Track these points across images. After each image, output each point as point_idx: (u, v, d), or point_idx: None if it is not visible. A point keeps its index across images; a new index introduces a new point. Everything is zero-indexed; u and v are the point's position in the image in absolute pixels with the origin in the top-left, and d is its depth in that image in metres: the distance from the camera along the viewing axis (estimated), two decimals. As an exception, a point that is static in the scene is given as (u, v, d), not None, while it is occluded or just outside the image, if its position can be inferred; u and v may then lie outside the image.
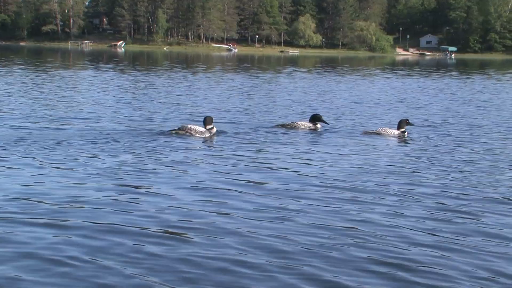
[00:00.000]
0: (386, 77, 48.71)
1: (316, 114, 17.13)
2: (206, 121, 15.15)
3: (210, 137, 14.84)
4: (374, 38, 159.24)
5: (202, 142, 14.34)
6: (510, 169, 11.82)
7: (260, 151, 13.11)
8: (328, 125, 16.72)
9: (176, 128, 15.17)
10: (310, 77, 45.27)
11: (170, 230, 7.49)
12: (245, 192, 9.42)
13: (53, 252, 6.69)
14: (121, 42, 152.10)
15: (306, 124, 16.56)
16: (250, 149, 13.28)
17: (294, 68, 61.12)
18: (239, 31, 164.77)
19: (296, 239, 7.28)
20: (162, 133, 15.10)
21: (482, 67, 78.29)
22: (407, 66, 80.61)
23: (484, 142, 15.22)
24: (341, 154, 12.99)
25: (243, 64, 70.40)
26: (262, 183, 10.05)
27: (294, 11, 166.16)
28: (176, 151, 12.82)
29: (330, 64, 75.73)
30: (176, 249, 6.86)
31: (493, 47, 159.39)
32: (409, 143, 14.93)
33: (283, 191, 9.59)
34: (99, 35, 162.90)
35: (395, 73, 56.76)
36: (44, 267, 6.32)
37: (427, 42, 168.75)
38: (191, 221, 7.87)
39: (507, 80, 47.82)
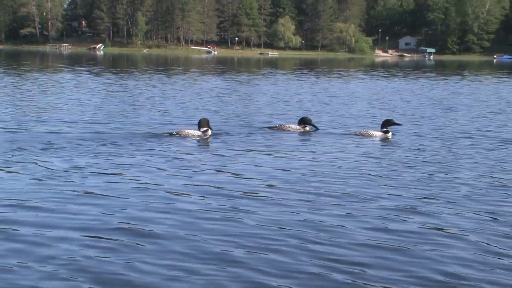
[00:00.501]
0: (366, 79, 48.87)
1: (305, 117, 17.13)
2: (201, 123, 15.12)
3: (205, 139, 14.77)
4: (353, 40, 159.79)
5: (194, 144, 14.27)
6: (474, 170, 11.93)
7: (242, 154, 13.07)
8: (318, 129, 16.68)
9: (174, 132, 15.11)
10: (291, 79, 45.25)
11: (119, 234, 7.47)
12: (207, 195, 9.42)
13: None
14: (100, 45, 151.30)
15: (295, 126, 16.63)
16: (232, 152, 13.21)
17: (276, 70, 61.07)
18: (218, 33, 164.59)
19: (244, 240, 7.32)
20: (155, 135, 15.03)
21: (460, 68, 78.81)
22: (387, 67, 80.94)
23: (460, 143, 15.28)
24: (319, 156, 13.02)
25: (223, 66, 70.34)
26: (234, 186, 10.05)
27: (274, 13, 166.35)
28: (156, 154, 12.72)
29: (310, 66, 75.81)
30: (124, 254, 6.85)
31: (471, 48, 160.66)
32: (387, 144, 14.99)
33: (246, 193, 9.60)
34: (78, 38, 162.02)
35: (376, 74, 57.00)
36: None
37: (406, 44, 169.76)
38: (143, 224, 7.85)
39: (481, 81, 48.15)
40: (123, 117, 19.02)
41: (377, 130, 15.96)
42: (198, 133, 14.93)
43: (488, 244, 7.44)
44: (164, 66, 66.14)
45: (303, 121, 16.72)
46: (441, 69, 76.34)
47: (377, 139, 15.50)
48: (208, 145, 14.26)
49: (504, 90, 37.66)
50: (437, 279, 6.38)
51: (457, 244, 7.40)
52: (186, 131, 15.04)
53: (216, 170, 11.23)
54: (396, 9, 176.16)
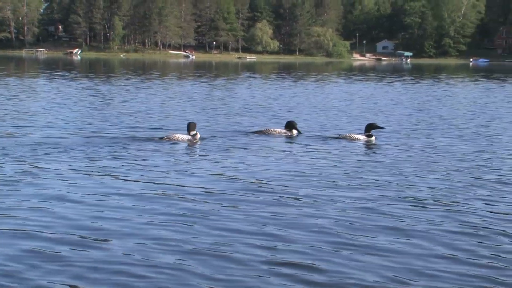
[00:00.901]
0: (346, 83, 48.96)
1: (291, 121, 17.09)
2: (190, 127, 15.20)
3: (194, 143, 14.86)
4: (331, 44, 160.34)
5: (184, 148, 14.34)
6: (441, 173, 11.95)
7: (227, 157, 13.09)
8: (301, 134, 16.66)
9: (164, 137, 15.20)
10: (271, 84, 45.14)
11: (79, 235, 7.52)
12: (172, 198, 9.42)
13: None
14: (77, 49, 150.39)
15: (280, 130, 16.66)
16: (219, 156, 13.23)
17: (254, 75, 61.04)
18: (196, 37, 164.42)
19: (195, 244, 7.31)
20: (146, 140, 15.08)
21: (437, 72, 79.38)
22: (364, 71, 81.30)
23: (438, 146, 15.32)
24: (299, 160, 13.08)
25: (202, 70, 70.19)
26: (199, 188, 10.05)
27: (251, 17, 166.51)
28: (144, 158, 12.71)
29: (288, 70, 75.84)
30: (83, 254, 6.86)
31: (448, 52, 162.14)
32: (369, 148, 15.01)
33: (210, 195, 9.64)
34: (55, 42, 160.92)
35: (354, 78, 57.25)
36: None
37: (383, 48, 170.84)
38: (104, 226, 7.90)
39: (454, 84, 48.52)
40: (107, 122, 18.96)
41: (360, 134, 16.01)
42: (188, 137, 15.00)
43: (443, 243, 7.51)
44: (142, 70, 65.83)
45: (289, 125, 16.74)
46: (419, 72, 76.76)
47: (361, 142, 15.53)
48: (197, 149, 14.28)
49: (478, 92, 37.94)
50: (390, 278, 6.40)
51: (413, 243, 7.45)
52: (177, 135, 15.13)
53: (199, 174, 11.25)
54: (373, 14, 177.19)
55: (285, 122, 17.18)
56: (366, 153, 14.21)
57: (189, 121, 15.77)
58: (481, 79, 57.81)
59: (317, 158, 13.23)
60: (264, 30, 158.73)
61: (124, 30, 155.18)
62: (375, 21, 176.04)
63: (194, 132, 15.10)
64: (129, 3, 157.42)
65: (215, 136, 15.97)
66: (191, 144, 14.75)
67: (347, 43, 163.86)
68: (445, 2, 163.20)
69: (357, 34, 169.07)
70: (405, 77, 59.53)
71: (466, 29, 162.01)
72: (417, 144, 15.47)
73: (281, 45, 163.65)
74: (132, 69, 69.30)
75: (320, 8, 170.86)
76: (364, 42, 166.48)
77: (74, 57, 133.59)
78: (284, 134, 16.46)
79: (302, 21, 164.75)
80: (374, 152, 14.28)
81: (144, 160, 12.46)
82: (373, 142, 15.61)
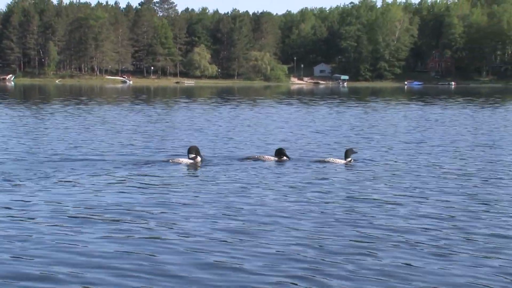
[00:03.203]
0: (285, 106, 49.05)
1: (281, 148, 17.53)
2: (190, 150, 15.99)
3: (195, 166, 15.46)
4: (269, 68, 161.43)
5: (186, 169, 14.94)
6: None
7: (212, 181, 13.40)
8: (290, 159, 16.95)
9: (169, 160, 16.06)
10: (217, 108, 44.82)
11: None
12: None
13: None
14: (11, 75, 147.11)
15: (272, 157, 17.06)
16: (213, 179, 13.55)
17: (194, 99, 60.89)
18: (134, 62, 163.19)
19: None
20: (151, 162, 15.79)
21: (373, 95, 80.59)
22: (303, 94, 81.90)
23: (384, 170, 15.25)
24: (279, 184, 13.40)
25: (140, 95, 69.47)
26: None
27: (189, 42, 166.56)
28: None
29: (227, 94, 75.68)
30: None
31: (383, 75, 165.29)
32: (341, 171, 15.25)
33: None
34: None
35: (292, 101, 57.43)
36: None
37: (321, 71, 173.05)
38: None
39: (384, 107, 49.21)
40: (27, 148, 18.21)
41: (341, 158, 16.55)
42: (190, 161, 15.61)
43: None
44: (79, 96, 64.47)
45: (279, 152, 17.16)
46: (355, 95, 77.73)
47: (341, 165, 15.99)
48: (195, 173, 14.81)
49: (413, 114, 38.52)
50: None
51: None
52: (181, 159, 15.86)
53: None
54: (310, 38, 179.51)
55: (276, 149, 17.47)
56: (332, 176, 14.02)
57: (190, 145, 16.54)
58: (415, 102, 58.85)
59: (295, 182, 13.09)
60: (202, 54, 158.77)
61: (59, 56, 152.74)
62: (312, 45, 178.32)
63: (194, 155, 15.66)
64: (64, 28, 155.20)
65: (209, 162, 16.16)
66: (191, 167, 15.26)
67: (285, 67, 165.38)
68: (380, 26, 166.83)
69: (295, 58, 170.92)
70: (344, 100, 60.09)
71: (401, 53, 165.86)
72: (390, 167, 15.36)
73: (219, 70, 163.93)
74: (71, 95, 67.96)
75: (257, 33, 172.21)
76: (302, 66, 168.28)
77: (7, 83, 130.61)
78: (275, 160, 16.83)
79: (240, 46, 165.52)
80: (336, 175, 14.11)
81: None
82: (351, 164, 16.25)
